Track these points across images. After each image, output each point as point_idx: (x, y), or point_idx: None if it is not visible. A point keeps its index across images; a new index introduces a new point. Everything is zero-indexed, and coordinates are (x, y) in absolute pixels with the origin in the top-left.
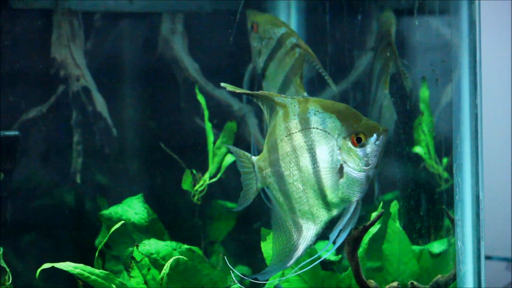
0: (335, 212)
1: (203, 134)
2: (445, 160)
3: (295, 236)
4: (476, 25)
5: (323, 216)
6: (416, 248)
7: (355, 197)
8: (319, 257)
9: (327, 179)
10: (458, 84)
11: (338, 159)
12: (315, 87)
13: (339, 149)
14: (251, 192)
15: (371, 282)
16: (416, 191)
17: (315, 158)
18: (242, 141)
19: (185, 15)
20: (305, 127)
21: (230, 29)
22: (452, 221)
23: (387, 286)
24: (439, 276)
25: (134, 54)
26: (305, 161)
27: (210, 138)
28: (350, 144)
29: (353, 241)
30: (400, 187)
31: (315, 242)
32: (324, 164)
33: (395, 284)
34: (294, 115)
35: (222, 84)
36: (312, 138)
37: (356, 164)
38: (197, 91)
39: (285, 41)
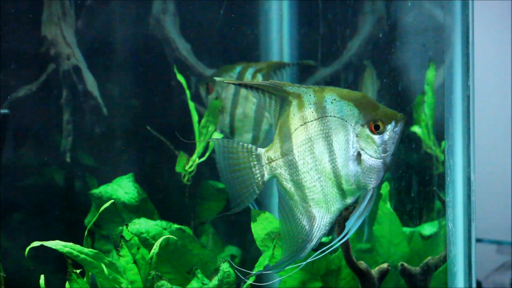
0: (349, 200)
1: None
2: (444, 143)
3: (307, 226)
4: (469, 6)
5: (338, 204)
6: (406, 230)
7: (372, 184)
8: (331, 246)
9: (344, 166)
10: (450, 65)
11: (356, 146)
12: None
13: (357, 136)
14: (254, 188)
15: (361, 264)
16: (407, 173)
17: (332, 146)
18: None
19: None
20: (322, 115)
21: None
22: (443, 203)
23: (377, 268)
24: (430, 258)
25: (125, 34)
26: (322, 149)
27: (195, 117)
28: (368, 131)
29: (344, 222)
30: (391, 168)
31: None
32: (341, 151)
33: (385, 265)
34: (310, 104)
35: (218, 79)
36: (329, 126)
37: (374, 151)
38: (175, 71)
39: (244, 75)
